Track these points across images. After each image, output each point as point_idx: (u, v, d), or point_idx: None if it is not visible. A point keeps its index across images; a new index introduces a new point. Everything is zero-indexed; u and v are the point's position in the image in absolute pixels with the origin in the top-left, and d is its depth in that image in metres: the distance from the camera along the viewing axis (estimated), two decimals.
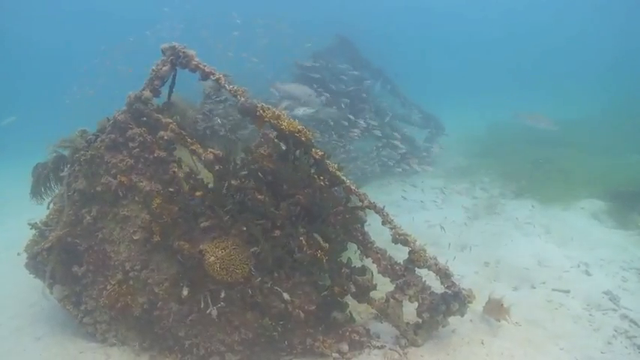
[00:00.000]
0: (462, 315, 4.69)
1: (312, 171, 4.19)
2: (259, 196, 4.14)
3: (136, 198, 4.69)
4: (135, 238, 4.70)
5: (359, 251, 4.63)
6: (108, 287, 4.83)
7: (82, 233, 4.93)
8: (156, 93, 4.81)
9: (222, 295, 4.28)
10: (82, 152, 4.83)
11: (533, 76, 32.46)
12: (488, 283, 6.13)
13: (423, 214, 9.14)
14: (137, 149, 4.71)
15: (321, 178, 4.11)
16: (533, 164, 11.61)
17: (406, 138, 13.36)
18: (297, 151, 4.05)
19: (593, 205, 8.69)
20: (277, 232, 4.20)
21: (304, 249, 4.15)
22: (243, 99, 4.18)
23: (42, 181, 5.15)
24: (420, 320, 4.67)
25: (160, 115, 4.69)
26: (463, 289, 4.63)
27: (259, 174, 4.23)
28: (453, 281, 4.60)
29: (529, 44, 38.88)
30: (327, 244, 4.20)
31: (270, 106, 4.23)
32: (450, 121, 16.21)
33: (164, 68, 4.64)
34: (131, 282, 4.78)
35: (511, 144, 14.50)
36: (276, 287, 4.26)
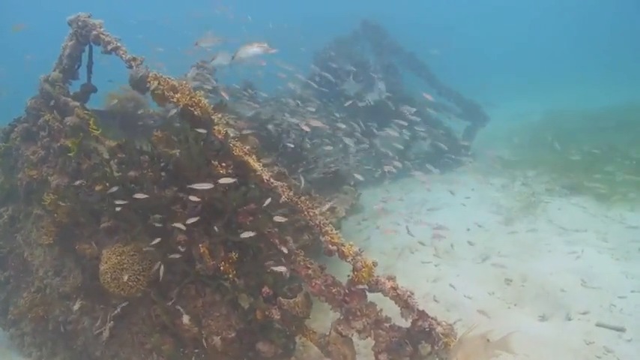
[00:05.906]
0: None
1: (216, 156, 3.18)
2: (156, 191, 3.24)
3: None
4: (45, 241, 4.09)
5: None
6: (25, 295, 4.30)
7: (2, 234, 4.48)
8: (71, 74, 4.18)
9: (117, 311, 3.46)
10: (0, 145, 4.38)
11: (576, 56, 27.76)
12: (504, 308, 4.57)
13: (443, 215, 7.57)
14: (47, 138, 4.11)
15: (224, 165, 3.08)
16: (594, 154, 9.27)
17: (444, 130, 12.04)
18: (191, 131, 3.06)
19: None
20: (179, 238, 3.27)
21: (206, 259, 3.16)
22: (134, 69, 3.32)
23: None
24: None
25: (68, 99, 4.03)
26: (439, 323, 3.26)
27: (159, 162, 3.34)
28: (423, 312, 3.26)
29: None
30: (234, 254, 3.15)
31: (168, 76, 3.32)
32: (500, 108, 14.05)
33: (70, 43, 3.98)
34: (47, 290, 4.19)
35: (570, 133, 11.99)
36: (177, 306, 3.32)
